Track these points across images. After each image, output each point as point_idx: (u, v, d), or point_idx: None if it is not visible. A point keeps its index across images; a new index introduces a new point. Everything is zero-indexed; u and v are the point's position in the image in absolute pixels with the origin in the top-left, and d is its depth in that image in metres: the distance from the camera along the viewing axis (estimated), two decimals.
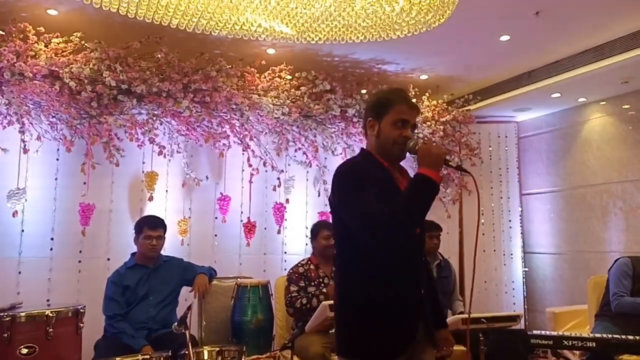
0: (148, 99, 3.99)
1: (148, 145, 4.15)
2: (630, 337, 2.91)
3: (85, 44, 3.83)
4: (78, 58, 3.81)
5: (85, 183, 3.96)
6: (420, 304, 1.83)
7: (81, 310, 2.85)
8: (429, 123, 5.11)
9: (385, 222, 1.68)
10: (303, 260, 3.59)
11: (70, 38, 3.79)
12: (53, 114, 3.84)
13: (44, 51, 3.72)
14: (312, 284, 3.37)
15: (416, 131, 1.96)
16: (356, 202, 1.74)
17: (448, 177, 5.27)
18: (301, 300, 3.28)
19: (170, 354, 2.74)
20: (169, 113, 4.14)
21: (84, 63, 3.79)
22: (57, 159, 3.97)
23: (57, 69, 3.71)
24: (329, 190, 5.07)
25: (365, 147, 1.98)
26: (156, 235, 3.35)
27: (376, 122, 1.91)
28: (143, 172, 4.25)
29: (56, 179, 3.97)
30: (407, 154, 1.91)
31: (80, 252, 3.99)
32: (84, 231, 3.92)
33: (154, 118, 4.09)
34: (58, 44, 3.78)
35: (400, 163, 1.99)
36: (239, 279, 3.64)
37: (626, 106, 4.86)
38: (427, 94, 5.12)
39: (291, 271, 3.48)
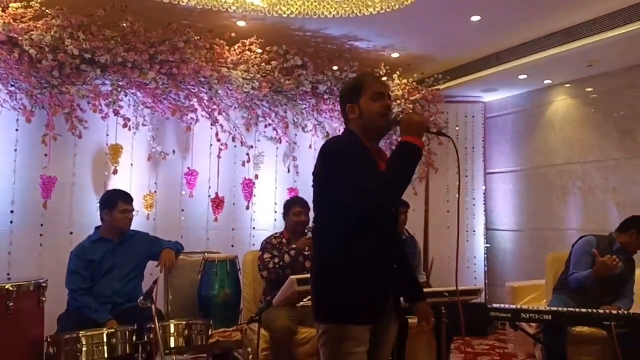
0: (112, 69, 3.87)
1: (112, 117, 4.05)
2: (583, 310, 3.05)
3: (46, 10, 3.68)
4: (38, 25, 3.65)
5: (46, 155, 3.84)
6: (392, 278, 1.93)
7: (43, 284, 2.79)
8: (399, 101, 5.14)
9: (379, 193, 1.78)
10: (276, 233, 3.60)
11: (30, 3, 3.63)
12: (12, 83, 3.68)
13: (1, 16, 3.55)
14: (283, 259, 3.39)
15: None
16: (351, 178, 1.81)
17: None
18: (273, 260, 3.31)
19: (135, 327, 2.73)
20: (134, 84, 4.03)
21: (44, 30, 3.64)
22: (17, 130, 3.82)
23: (15, 35, 3.55)
24: (299, 166, 5.10)
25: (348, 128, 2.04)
26: (131, 209, 3.32)
27: (355, 104, 1.98)
28: (107, 144, 4.14)
29: (15, 150, 3.83)
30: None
31: (42, 225, 3.89)
32: (45, 204, 3.81)
33: (119, 89, 3.98)
34: (16, 9, 3.61)
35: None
36: (206, 254, 3.63)
37: (589, 89, 4.99)
38: (397, 72, 5.14)
39: (264, 241, 3.50)
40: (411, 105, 5.20)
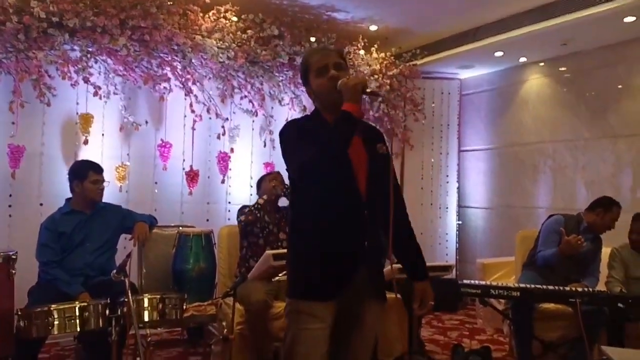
0: (81, 34, 3.72)
1: (82, 85, 3.92)
2: (551, 288, 3.16)
3: None
4: None
5: (13, 123, 3.70)
6: (359, 255, 1.85)
7: (13, 257, 2.72)
8: (376, 76, 5.11)
9: (308, 165, 1.75)
10: (253, 204, 3.58)
11: None
12: None
13: None
14: (257, 226, 3.38)
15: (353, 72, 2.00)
16: (293, 152, 1.82)
17: (392, 132, 5.35)
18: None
19: (108, 301, 2.70)
20: (105, 51, 3.89)
21: None
22: None
23: None
24: (275, 140, 5.05)
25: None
26: (102, 179, 3.24)
27: (308, 87, 1.96)
28: (77, 113, 4.02)
29: None
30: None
31: (10, 196, 3.78)
32: (13, 174, 3.69)
33: (88, 55, 3.84)
34: None
35: None
36: (181, 228, 3.59)
37: (563, 68, 5.06)
38: (375, 46, 5.10)
39: (242, 206, 3.51)
40: (388, 81, 5.18)
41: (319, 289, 1.81)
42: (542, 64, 5.23)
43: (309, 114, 2.07)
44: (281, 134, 1.92)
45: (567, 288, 3.16)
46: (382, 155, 1.93)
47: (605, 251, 3.61)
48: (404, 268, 2.07)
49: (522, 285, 3.27)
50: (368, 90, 1.81)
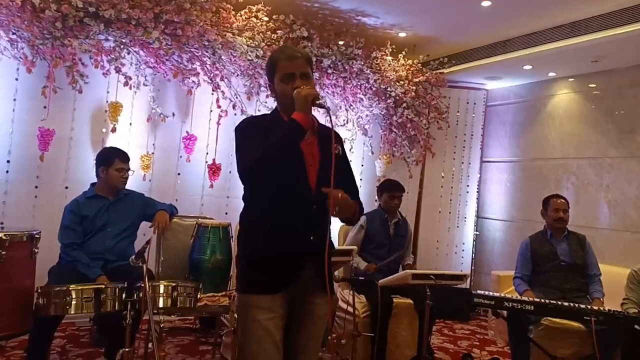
0: (116, 26, 3.82)
1: (114, 75, 4.01)
2: (565, 304, 3.11)
3: None
4: None
5: (45, 107, 3.81)
6: (306, 250, 1.89)
7: (36, 236, 2.79)
8: (402, 82, 5.12)
9: (251, 165, 1.83)
10: None
11: None
12: (13, 31, 3.63)
13: None
14: None
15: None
16: (244, 149, 1.88)
17: (414, 138, 5.35)
18: None
19: (125, 285, 2.76)
20: (138, 43, 3.98)
21: None
22: (17, 79, 3.79)
23: None
24: None
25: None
26: (127, 167, 3.34)
27: (272, 84, 2.00)
28: (107, 101, 4.12)
29: (15, 100, 3.80)
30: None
31: (38, 177, 3.89)
32: (42, 156, 3.80)
33: (122, 46, 3.93)
34: None
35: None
36: (200, 219, 3.65)
37: (592, 85, 4.99)
38: (403, 52, 5.10)
39: None
40: (414, 87, 5.19)
41: (266, 283, 1.86)
42: (571, 79, 5.17)
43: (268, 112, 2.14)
44: (236, 130, 1.97)
45: (582, 305, 3.12)
46: (336, 155, 1.90)
47: (624, 272, 3.55)
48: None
49: (536, 299, 3.24)
50: (317, 102, 1.87)
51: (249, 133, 1.92)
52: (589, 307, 3.10)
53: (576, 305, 3.12)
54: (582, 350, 3.29)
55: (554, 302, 3.14)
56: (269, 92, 4.68)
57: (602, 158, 4.84)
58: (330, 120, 1.91)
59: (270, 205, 1.90)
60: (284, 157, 1.84)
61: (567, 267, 3.64)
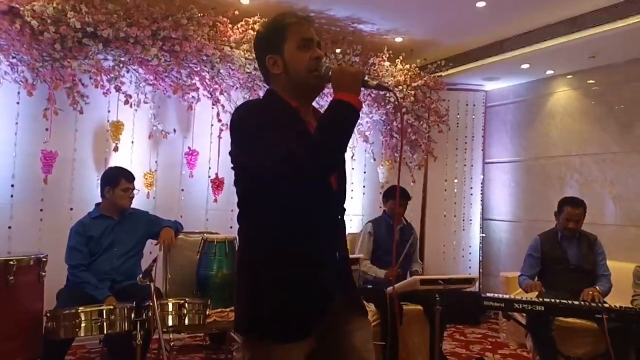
0: (115, 44, 3.83)
1: (114, 94, 4.03)
2: (576, 303, 3.10)
3: None
4: None
5: (47, 129, 3.82)
6: (336, 271, 1.54)
7: (43, 259, 2.80)
8: (400, 87, 5.12)
9: (306, 161, 1.37)
10: None
11: None
12: (13, 55, 3.65)
13: None
14: None
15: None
16: (263, 143, 1.41)
17: (416, 142, 5.34)
18: None
19: (134, 305, 2.76)
20: (137, 60, 4.00)
21: (47, 2, 3.60)
22: (18, 103, 3.80)
23: (17, 5, 3.51)
24: None
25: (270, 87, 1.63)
26: (133, 187, 3.34)
27: (277, 55, 1.54)
28: (108, 121, 4.13)
29: (17, 123, 3.82)
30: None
31: (42, 200, 3.90)
32: (45, 179, 3.81)
33: (121, 65, 3.95)
34: None
35: (314, 103, 1.67)
36: (205, 234, 3.65)
37: (591, 81, 4.99)
38: (400, 57, 5.11)
39: None
40: (413, 92, 5.19)
41: (298, 325, 1.43)
42: (569, 76, 5.17)
43: (261, 99, 1.70)
44: (236, 120, 1.52)
45: (594, 304, 3.10)
46: None
47: (632, 268, 3.53)
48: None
49: (546, 299, 3.22)
50: (373, 83, 1.52)
51: (264, 124, 1.44)
52: (600, 304, 3.08)
53: (587, 303, 3.11)
54: (596, 349, 3.27)
55: (565, 301, 3.13)
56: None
57: (604, 154, 4.83)
58: (397, 100, 1.70)
59: (294, 216, 1.46)
60: (340, 153, 1.48)
61: (576, 270, 3.60)
